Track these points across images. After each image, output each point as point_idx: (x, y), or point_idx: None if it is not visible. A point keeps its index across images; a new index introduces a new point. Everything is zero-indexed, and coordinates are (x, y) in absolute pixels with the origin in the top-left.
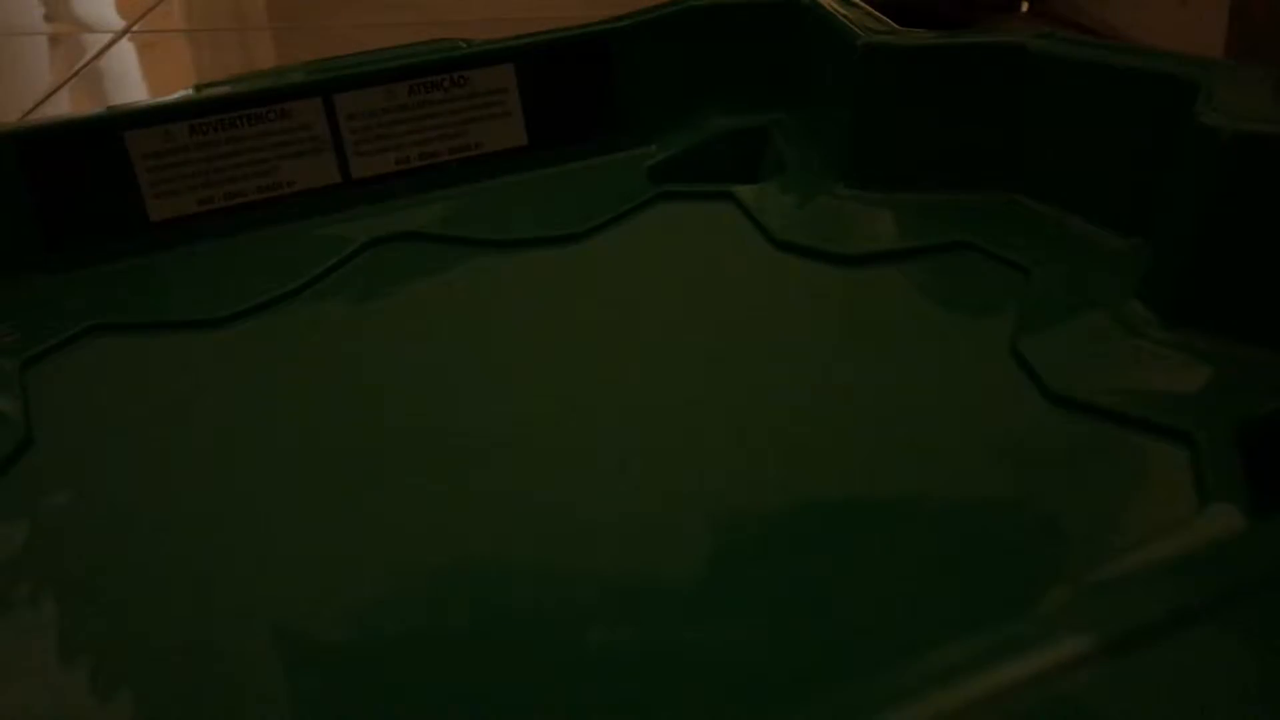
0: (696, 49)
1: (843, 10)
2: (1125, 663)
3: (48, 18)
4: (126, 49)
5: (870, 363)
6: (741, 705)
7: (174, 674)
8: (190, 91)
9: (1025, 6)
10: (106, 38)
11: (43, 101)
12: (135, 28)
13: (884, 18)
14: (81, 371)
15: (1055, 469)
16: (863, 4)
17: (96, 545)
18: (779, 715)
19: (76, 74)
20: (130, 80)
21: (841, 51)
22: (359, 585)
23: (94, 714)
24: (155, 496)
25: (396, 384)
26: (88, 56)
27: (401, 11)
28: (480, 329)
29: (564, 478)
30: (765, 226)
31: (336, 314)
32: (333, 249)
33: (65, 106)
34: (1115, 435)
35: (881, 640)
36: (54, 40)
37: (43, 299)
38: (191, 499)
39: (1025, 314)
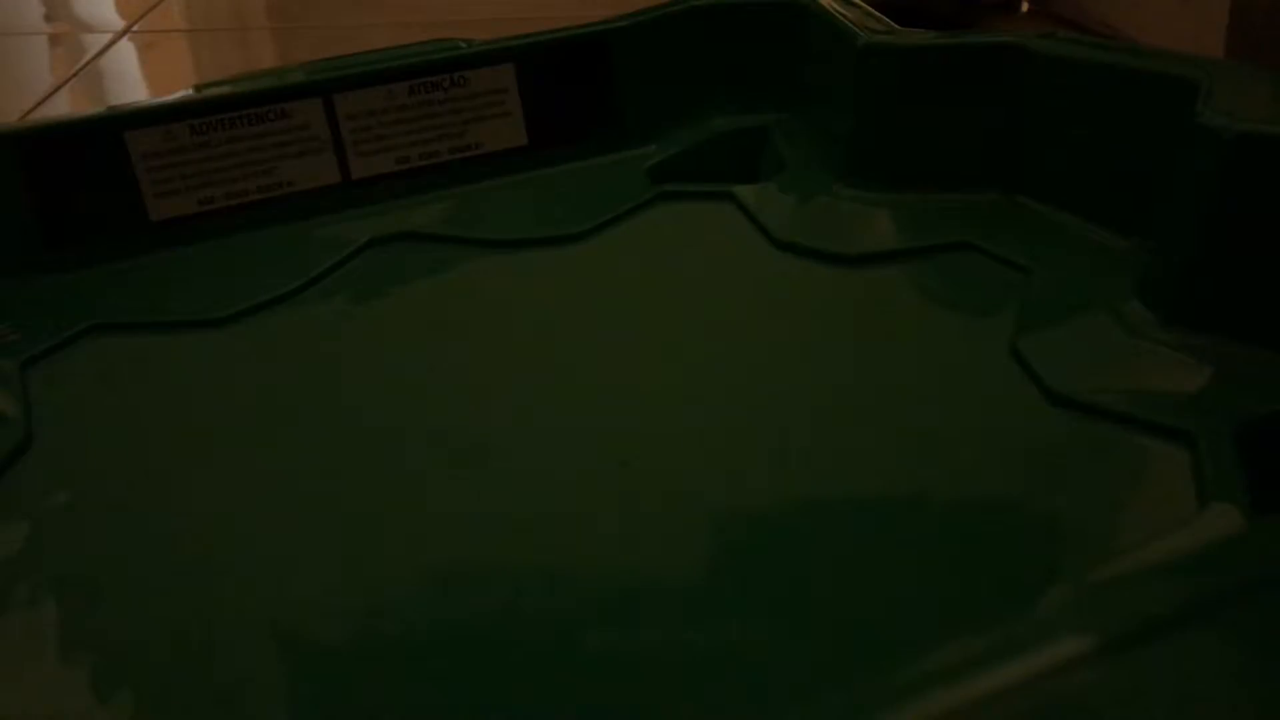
0: (696, 49)
1: (843, 10)
2: (1125, 663)
3: (48, 18)
4: (126, 49)
5: (870, 363)
6: (742, 705)
7: (174, 674)
8: (190, 91)
9: (1025, 6)
10: (106, 38)
11: (43, 101)
12: (135, 28)
13: (884, 18)
14: (81, 371)
15: (1055, 469)
16: (863, 4)
17: (96, 545)
18: (779, 715)
19: (76, 74)
20: (130, 80)
21: (841, 51)
22: (359, 585)
23: (94, 714)
24: (155, 496)
25: (396, 384)
26: (88, 56)
27: (401, 11)
28: (480, 329)
29: (564, 477)
30: (765, 226)
31: (336, 314)
32: (333, 249)
33: (65, 106)
34: (1115, 435)
35: (882, 640)
36: (54, 40)
37: (43, 299)
38: (191, 499)
39: (1025, 314)
